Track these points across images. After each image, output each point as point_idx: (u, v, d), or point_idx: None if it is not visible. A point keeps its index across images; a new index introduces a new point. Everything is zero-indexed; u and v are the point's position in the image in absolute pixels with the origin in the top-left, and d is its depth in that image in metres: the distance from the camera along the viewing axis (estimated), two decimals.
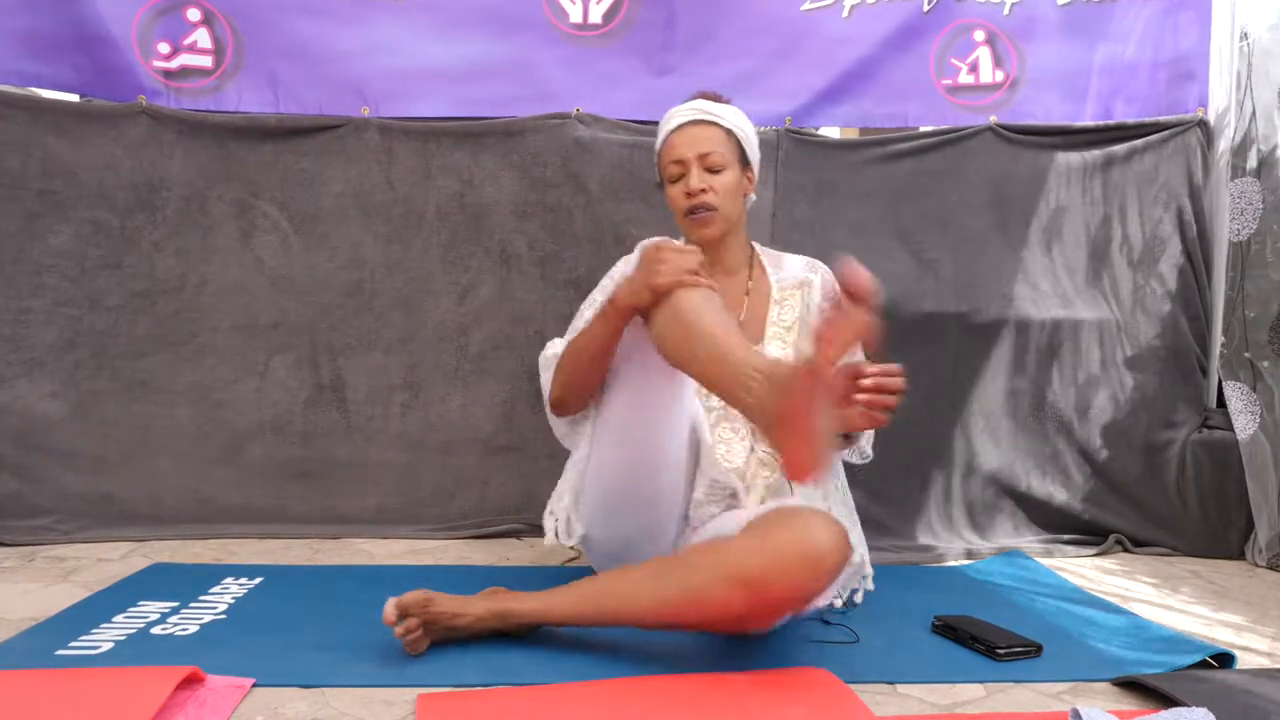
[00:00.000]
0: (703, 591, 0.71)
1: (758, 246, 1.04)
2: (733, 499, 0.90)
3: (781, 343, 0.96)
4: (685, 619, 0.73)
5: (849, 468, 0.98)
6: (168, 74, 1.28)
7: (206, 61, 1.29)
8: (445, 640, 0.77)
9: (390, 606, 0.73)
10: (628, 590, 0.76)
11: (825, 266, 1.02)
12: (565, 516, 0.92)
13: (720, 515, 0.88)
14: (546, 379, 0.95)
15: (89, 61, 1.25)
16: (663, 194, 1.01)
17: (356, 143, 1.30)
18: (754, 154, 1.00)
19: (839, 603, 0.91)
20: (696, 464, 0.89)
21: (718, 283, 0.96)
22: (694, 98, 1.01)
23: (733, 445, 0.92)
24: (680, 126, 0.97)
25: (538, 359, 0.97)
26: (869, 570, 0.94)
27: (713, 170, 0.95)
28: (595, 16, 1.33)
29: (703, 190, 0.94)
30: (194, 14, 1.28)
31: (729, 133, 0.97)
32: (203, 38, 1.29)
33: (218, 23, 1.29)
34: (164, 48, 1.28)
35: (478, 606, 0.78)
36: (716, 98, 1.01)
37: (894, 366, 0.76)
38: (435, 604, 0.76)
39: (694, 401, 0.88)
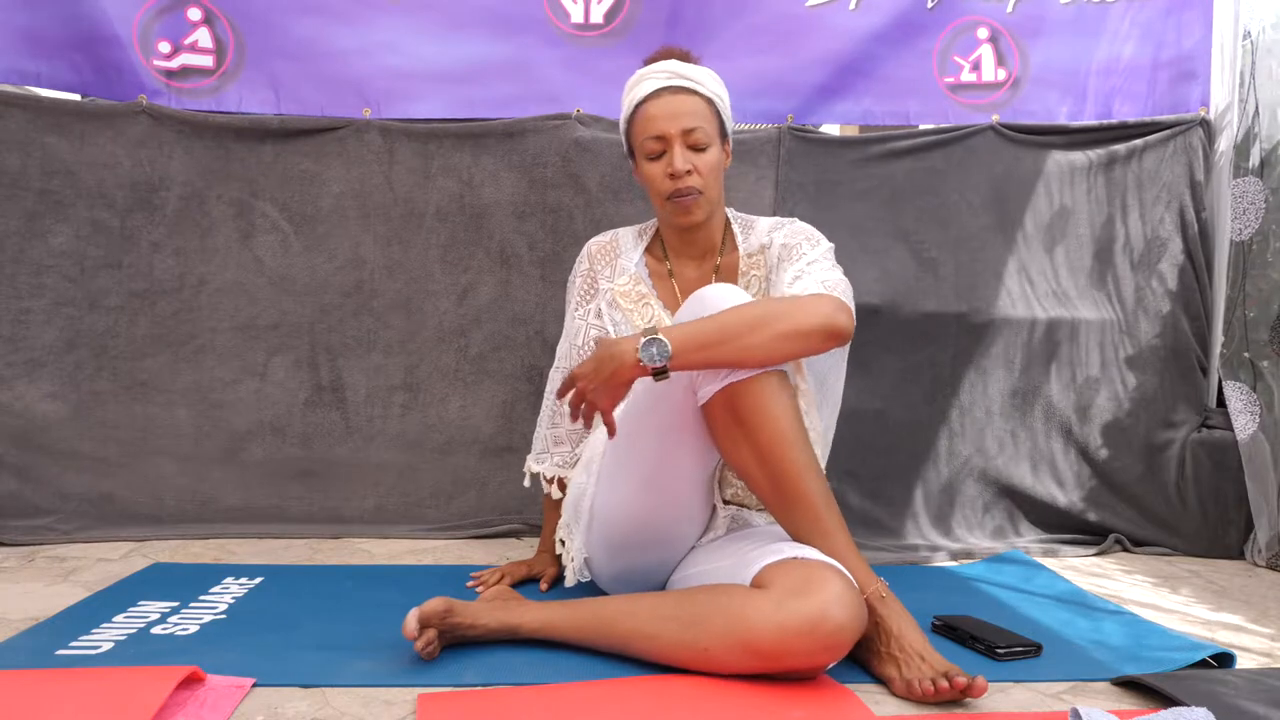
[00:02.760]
0: (713, 652, 0.70)
1: (731, 214, 0.96)
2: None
3: None
4: (691, 667, 0.73)
5: (845, 466, 0.98)
6: (168, 74, 1.28)
7: (207, 61, 1.29)
8: (454, 644, 0.78)
9: (412, 620, 0.72)
10: (636, 626, 0.75)
11: (792, 222, 0.93)
12: (581, 558, 0.90)
13: (730, 538, 0.86)
14: (536, 463, 0.97)
15: (89, 60, 1.25)
16: (632, 165, 0.93)
17: (357, 144, 1.30)
18: (730, 122, 0.92)
19: None
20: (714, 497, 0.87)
21: (691, 269, 0.94)
22: (659, 55, 0.91)
23: None
24: (657, 93, 0.87)
25: (537, 378, 0.99)
26: None
27: (696, 148, 0.86)
28: (596, 16, 1.33)
29: (688, 172, 0.86)
30: (195, 13, 1.27)
31: (710, 102, 0.88)
32: (204, 37, 1.28)
33: (218, 22, 1.29)
34: (165, 47, 1.27)
35: (489, 618, 0.78)
36: (686, 56, 0.91)
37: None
38: (454, 614, 0.76)
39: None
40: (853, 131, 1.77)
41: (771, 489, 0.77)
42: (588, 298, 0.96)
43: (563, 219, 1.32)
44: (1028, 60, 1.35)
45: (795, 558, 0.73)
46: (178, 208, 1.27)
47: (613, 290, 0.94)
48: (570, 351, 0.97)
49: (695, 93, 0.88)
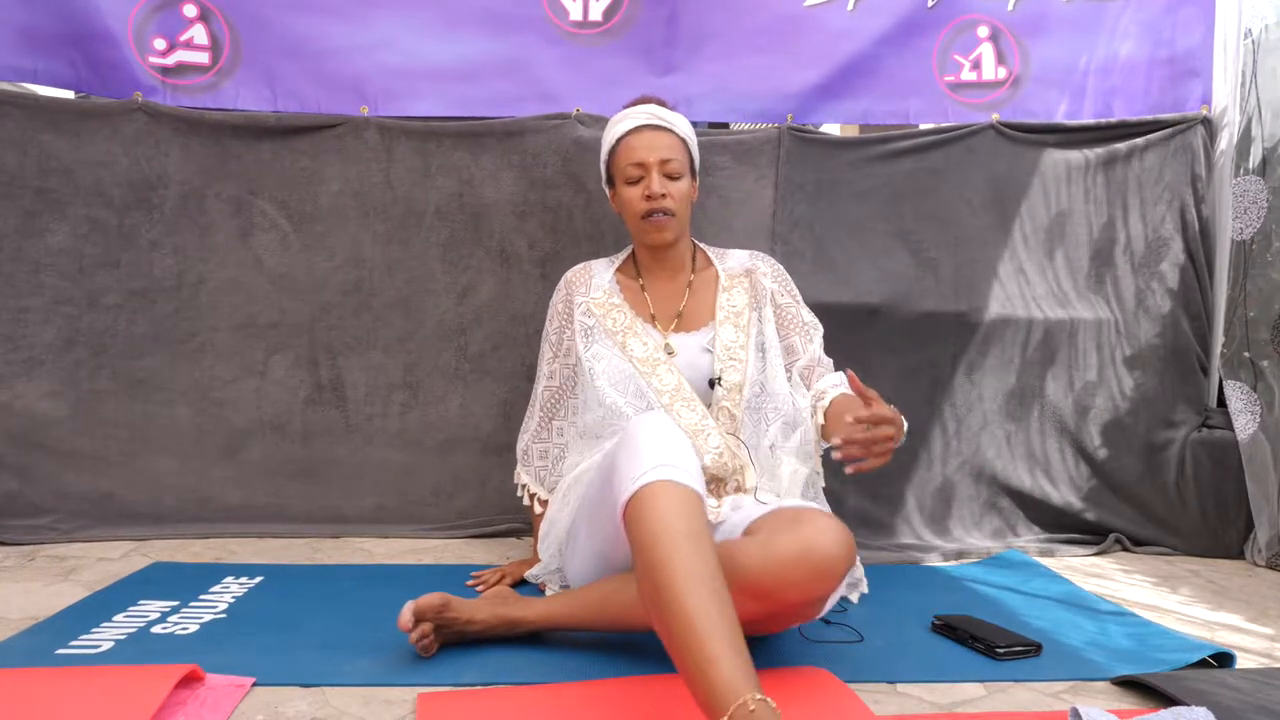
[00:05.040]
0: None
1: (699, 244, 1.08)
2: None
3: (734, 326, 0.99)
4: None
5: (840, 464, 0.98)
6: (164, 71, 1.27)
7: (203, 58, 1.28)
8: (453, 642, 0.78)
9: (407, 612, 0.73)
10: (632, 598, 0.75)
11: (769, 257, 1.07)
12: (556, 569, 0.95)
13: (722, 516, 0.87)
14: (524, 475, 1.04)
15: (85, 57, 1.25)
16: (610, 193, 1.04)
17: (355, 141, 1.30)
18: (698, 163, 1.04)
19: (854, 596, 0.93)
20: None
21: (662, 283, 1.04)
22: (639, 100, 1.03)
23: (709, 435, 0.91)
24: (638, 129, 0.99)
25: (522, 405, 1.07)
26: (861, 574, 0.95)
27: (671, 177, 0.98)
28: (595, 14, 1.32)
29: (663, 195, 0.97)
30: (190, 10, 1.27)
31: (683, 141, 1.00)
32: (199, 34, 1.28)
33: (214, 19, 1.28)
34: (160, 44, 1.27)
35: (486, 613, 0.79)
36: (662, 103, 1.03)
37: (885, 412, 0.74)
38: (450, 609, 0.77)
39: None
40: (853, 131, 1.76)
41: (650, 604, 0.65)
42: (569, 322, 1.03)
43: (562, 218, 1.32)
44: (1028, 58, 1.35)
45: (781, 506, 0.76)
46: (176, 206, 1.27)
47: (587, 301, 1.02)
48: (570, 374, 1.03)
49: (671, 132, 1.00)
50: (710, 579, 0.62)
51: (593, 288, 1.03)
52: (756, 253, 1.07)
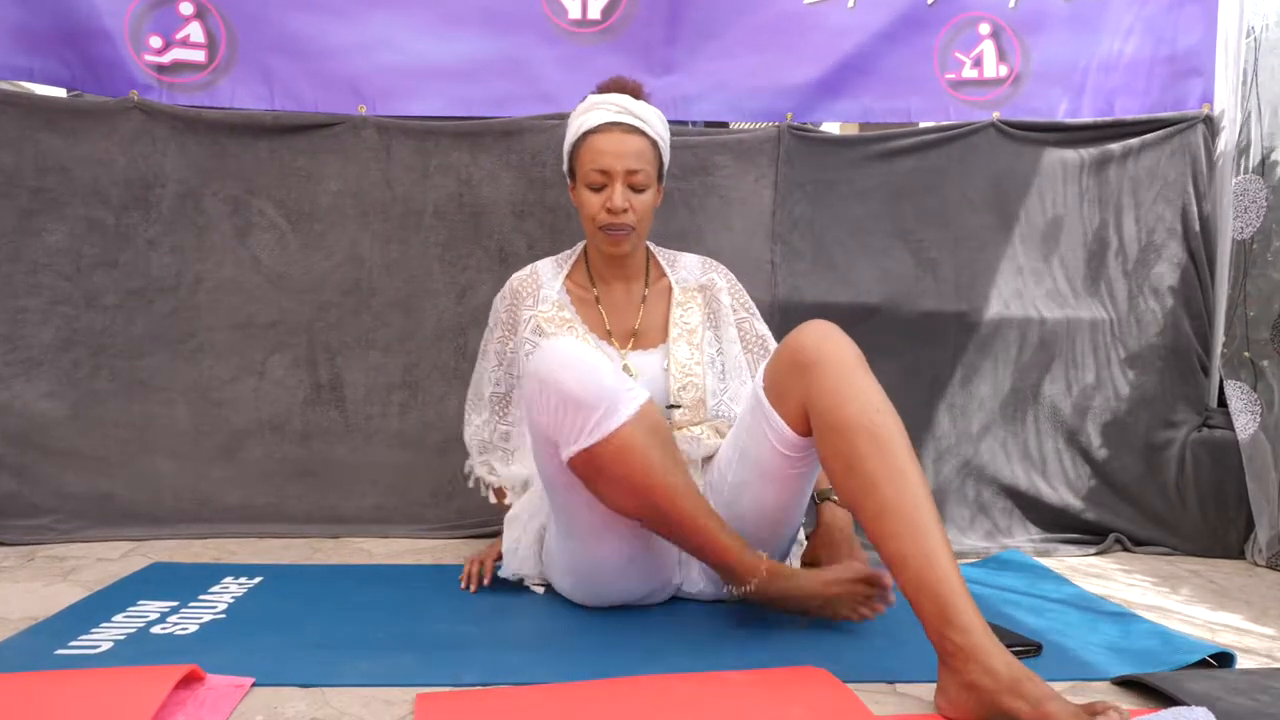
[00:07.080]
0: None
1: (652, 247, 1.03)
2: (707, 460, 0.91)
3: (688, 344, 0.96)
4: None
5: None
6: (160, 69, 1.27)
7: (199, 56, 1.28)
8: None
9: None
10: (913, 490, 0.69)
11: (721, 265, 1.03)
12: (519, 558, 0.93)
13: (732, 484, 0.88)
14: (479, 468, 1.02)
15: (80, 56, 1.24)
16: (570, 184, 0.98)
17: (354, 141, 1.29)
18: (667, 164, 0.98)
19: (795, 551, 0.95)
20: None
21: (617, 294, 1.01)
22: (611, 85, 0.95)
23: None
24: (606, 127, 0.91)
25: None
26: (803, 536, 0.96)
27: (636, 189, 0.92)
28: (594, 12, 1.32)
29: (625, 209, 0.91)
30: (186, 8, 1.26)
31: (654, 144, 0.93)
32: (195, 32, 1.27)
33: (210, 17, 1.27)
34: (156, 41, 1.26)
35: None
36: (638, 91, 0.95)
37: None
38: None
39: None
40: (853, 130, 1.76)
41: (655, 519, 0.79)
42: (511, 333, 1.00)
43: (561, 218, 1.31)
44: (1029, 56, 1.35)
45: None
46: (173, 205, 1.26)
47: (536, 316, 0.97)
48: (515, 384, 0.99)
49: (643, 134, 0.92)
50: (696, 493, 0.80)
51: (540, 299, 0.97)
52: (709, 261, 1.03)
